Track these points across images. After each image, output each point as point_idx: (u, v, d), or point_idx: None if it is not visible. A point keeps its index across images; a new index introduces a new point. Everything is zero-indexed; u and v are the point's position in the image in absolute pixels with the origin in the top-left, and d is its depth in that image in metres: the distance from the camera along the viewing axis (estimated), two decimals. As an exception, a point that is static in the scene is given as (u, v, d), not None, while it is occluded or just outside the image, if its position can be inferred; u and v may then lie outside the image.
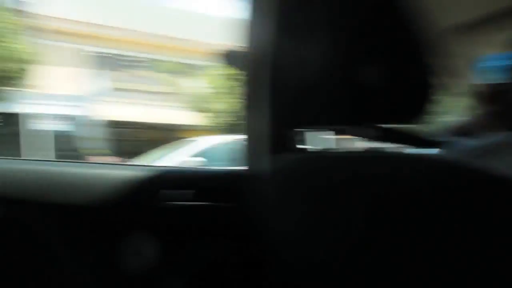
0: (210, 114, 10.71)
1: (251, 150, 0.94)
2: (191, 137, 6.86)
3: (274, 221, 0.79)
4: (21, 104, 9.96)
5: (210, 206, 0.91)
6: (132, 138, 11.37)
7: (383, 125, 0.71)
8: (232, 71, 10.97)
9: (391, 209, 0.57)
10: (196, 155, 6.11)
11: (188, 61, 11.79)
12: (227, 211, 0.92)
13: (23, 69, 8.71)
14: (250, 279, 0.87)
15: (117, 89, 12.22)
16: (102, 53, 11.95)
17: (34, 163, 1.05)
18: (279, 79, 0.76)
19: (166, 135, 11.31)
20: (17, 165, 1.01)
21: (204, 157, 5.98)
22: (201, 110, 10.78)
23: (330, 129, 0.75)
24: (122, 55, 12.38)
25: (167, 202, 0.89)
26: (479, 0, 1.08)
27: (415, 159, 0.60)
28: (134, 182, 0.92)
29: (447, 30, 1.12)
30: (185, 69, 11.13)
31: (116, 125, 11.26)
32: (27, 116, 10.59)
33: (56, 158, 9.69)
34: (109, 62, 12.09)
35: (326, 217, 0.65)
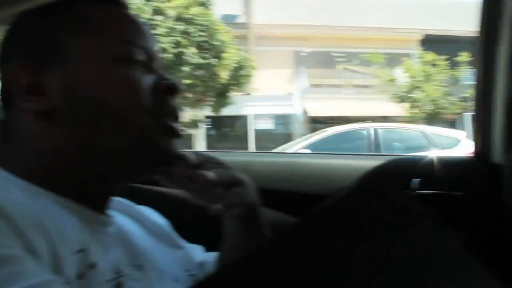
0: (412, 104, 10.21)
1: (486, 139, 0.90)
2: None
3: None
4: (244, 107, 11.30)
5: (455, 196, 0.90)
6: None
7: None
8: (435, 57, 10.19)
9: None
10: (308, 147, 5.83)
11: (390, 51, 11.45)
12: (470, 200, 0.89)
13: (243, 76, 9.85)
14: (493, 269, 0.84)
15: (322, 85, 12.67)
16: (308, 52, 12.55)
17: (284, 155, 1.17)
18: None
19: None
20: (271, 157, 1.15)
21: (316, 148, 5.69)
22: (404, 101, 10.36)
23: None
24: (327, 52, 12.77)
25: (417, 191, 0.89)
26: None
27: None
28: (385, 171, 0.94)
29: None
30: (389, 59, 10.84)
31: (321, 121, 11.67)
32: (249, 117, 11.95)
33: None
34: (315, 60, 12.61)
35: None
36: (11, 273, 0.35)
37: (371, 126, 6.65)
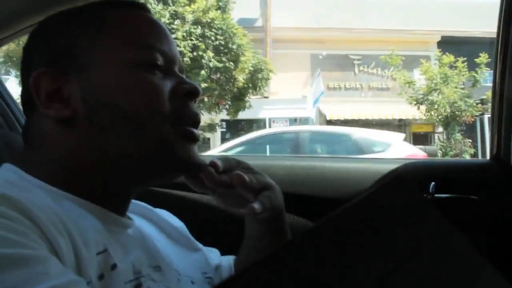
0: (430, 107, 10.07)
1: (503, 141, 0.89)
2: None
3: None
4: (260, 110, 11.32)
5: (472, 199, 0.88)
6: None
7: None
8: (453, 59, 10.01)
9: None
10: (225, 150, 5.74)
11: (408, 53, 11.33)
12: (484, 204, 0.88)
13: (260, 79, 9.86)
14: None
15: (339, 88, 12.61)
16: (325, 54, 12.51)
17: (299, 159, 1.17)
18: None
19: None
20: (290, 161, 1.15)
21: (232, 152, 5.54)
22: (421, 103, 10.23)
23: None
24: (344, 54, 12.71)
25: (434, 195, 0.87)
26: None
27: None
28: (402, 175, 0.92)
29: None
30: (406, 61, 10.72)
31: (338, 124, 11.63)
32: (266, 120, 11.95)
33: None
34: (332, 63, 12.56)
35: None
36: (33, 274, 0.35)
37: (296, 129, 6.44)
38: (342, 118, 11.60)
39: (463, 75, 10.05)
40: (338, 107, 11.80)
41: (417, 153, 5.60)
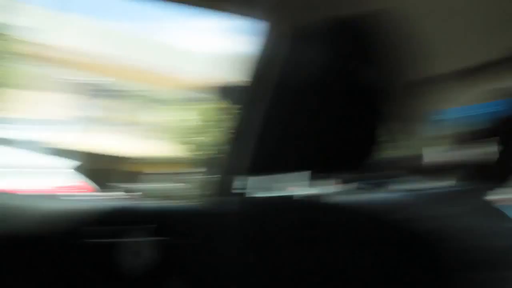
0: (194, 147, 10.65)
1: (213, 189, 0.95)
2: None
3: (207, 259, 0.81)
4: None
5: (139, 243, 0.87)
6: (99, 169, 10.84)
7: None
8: (219, 104, 10.96)
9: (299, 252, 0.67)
10: None
11: (183, 93, 11.79)
12: (158, 247, 0.88)
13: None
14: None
15: (91, 118, 12.01)
16: (81, 80, 11.84)
17: None
18: (251, 121, 0.78)
19: (136, 167, 11.11)
20: None
21: None
22: (186, 143, 10.72)
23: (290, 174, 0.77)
24: (101, 84, 12.27)
25: (89, 240, 0.83)
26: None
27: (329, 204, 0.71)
28: (56, 215, 0.85)
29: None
30: (178, 101, 11.12)
31: (85, 155, 10.99)
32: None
33: None
34: (87, 90, 11.97)
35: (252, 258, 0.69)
36: None
37: None
38: (90, 150, 10.96)
39: (232, 120, 10.91)
40: (89, 137, 11.18)
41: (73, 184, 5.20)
